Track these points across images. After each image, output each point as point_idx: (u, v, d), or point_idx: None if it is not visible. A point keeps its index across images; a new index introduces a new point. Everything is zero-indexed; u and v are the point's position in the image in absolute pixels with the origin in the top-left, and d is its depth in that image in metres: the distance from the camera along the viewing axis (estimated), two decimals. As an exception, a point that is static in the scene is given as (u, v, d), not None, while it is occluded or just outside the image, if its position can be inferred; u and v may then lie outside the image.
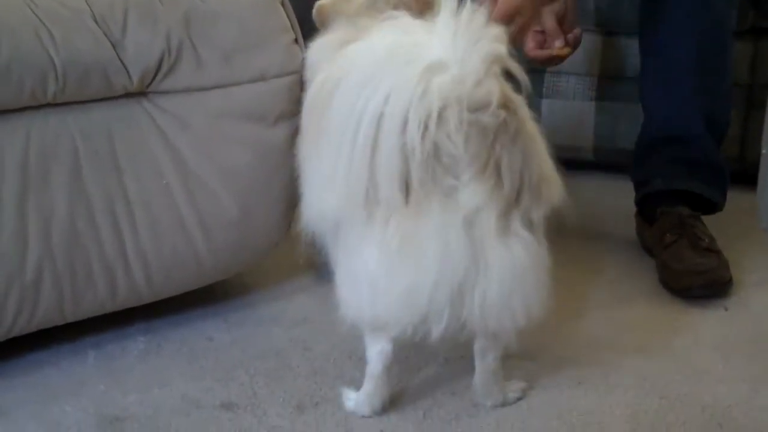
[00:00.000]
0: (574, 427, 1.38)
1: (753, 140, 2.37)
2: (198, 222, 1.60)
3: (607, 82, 2.48)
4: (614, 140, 2.48)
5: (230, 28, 1.59)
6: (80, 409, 1.42)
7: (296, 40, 1.68)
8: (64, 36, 1.43)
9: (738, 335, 1.66)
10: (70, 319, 1.55)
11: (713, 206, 1.99)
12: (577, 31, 1.95)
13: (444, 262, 1.20)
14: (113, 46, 1.48)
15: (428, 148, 1.16)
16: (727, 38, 2.00)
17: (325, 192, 1.27)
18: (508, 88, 1.21)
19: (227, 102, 1.60)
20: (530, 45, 1.90)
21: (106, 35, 1.48)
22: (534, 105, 1.28)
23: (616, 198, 2.25)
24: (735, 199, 2.04)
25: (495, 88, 1.17)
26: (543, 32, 1.92)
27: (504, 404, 1.41)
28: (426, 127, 1.15)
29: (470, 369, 1.41)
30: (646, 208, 2.02)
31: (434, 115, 1.15)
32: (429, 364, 1.53)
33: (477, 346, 1.37)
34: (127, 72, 1.50)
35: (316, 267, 1.77)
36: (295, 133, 1.67)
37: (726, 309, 1.76)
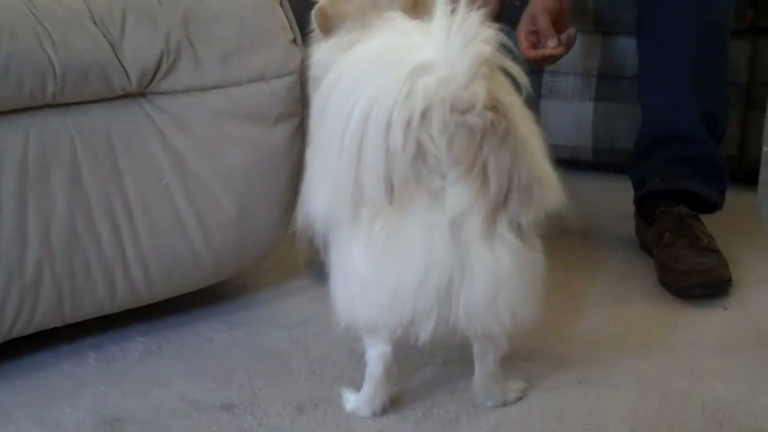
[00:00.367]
0: (575, 427, 1.38)
1: (751, 139, 2.38)
2: (197, 222, 1.60)
3: (606, 82, 2.48)
4: (613, 140, 2.48)
5: (229, 29, 1.60)
6: (80, 410, 1.42)
7: (295, 40, 1.68)
8: (62, 37, 1.43)
9: (738, 334, 1.66)
10: (70, 320, 1.54)
11: (712, 206, 2.00)
12: (570, 31, 1.95)
13: (429, 263, 1.19)
14: (112, 46, 1.48)
15: (412, 148, 1.16)
16: (725, 37, 2.00)
17: (316, 192, 1.28)
18: (500, 89, 1.20)
19: (226, 102, 1.60)
20: (524, 45, 1.91)
21: (104, 36, 1.48)
22: (534, 106, 1.27)
23: (615, 198, 2.25)
24: (734, 198, 2.05)
25: (481, 89, 1.16)
26: (536, 32, 1.93)
27: (504, 404, 1.41)
28: (409, 128, 1.15)
29: (469, 369, 1.40)
30: (645, 208, 2.02)
31: (417, 116, 1.14)
32: (428, 364, 1.53)
33: (476, 348, 1.37)
34: (126, 73, 1.50)
35: (316, 267, 1.76)
36: (294, 133, 1.67)
37: (725, 308, 1.76)
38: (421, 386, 1.48)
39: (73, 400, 1.44)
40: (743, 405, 1.43)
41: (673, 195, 1.97)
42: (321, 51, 1.50)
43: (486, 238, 1.21)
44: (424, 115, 1.15)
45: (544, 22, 1.93)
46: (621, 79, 2.45)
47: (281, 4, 1.68)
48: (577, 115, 2.51)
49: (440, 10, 1.18)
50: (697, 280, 1.78)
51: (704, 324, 1.70)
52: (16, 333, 1.48)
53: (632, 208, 2.08)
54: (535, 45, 1.93)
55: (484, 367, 1.38)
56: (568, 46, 1.97)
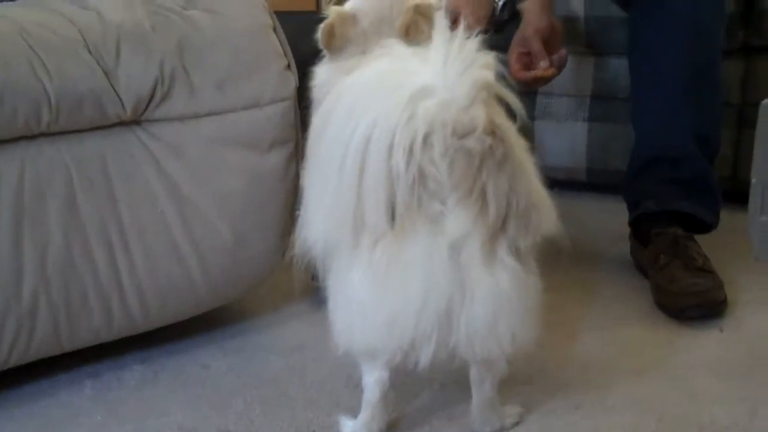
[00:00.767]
0: (572, 451, 1.38)
1: (745, 160, 2.39)
2: (193, 249, 1.60)
3: (599, 103, 2.50)
4: (607, 161, 2.49)
5: (223, 56, 1.60)
6: (77, 439, 1.42)
7: (289, 66, 1.68)
8: (57, 65, 1.44)
9: (734, 356, 1.66)
10: (67, 348, 1.54)
11: (706, 226, 2.00)
12: (562, 52, 1.96)
13: (429, 287, 1.19)
14: (106, 74, 1.49)
15: (414, 173, 1.16)
16: (717, 57, 2.01)
17: (315, 217, 1.28)
18: (497, 114, 1.20)
19: (221, 129, 1.61)
20: (515, 66, 1.92)
21: (99, 64, 1.48)
22: (528, 131, 1.27)
23: (610, 218, 2.26)
24: (728, 218, 2.05)
25: (481, 114, 1.17)
26: (528, 54, 1.94)
27: (501, 430, 1.41)
28: (411, 152, 1.15)
29: (466, 394, 1.40)
30: (640, 229, 2.02)
31: (419, 139, 1.15)
32: (425, 390, 1.53)
33: (473, 374, 1.37)
34: (121, 101, 1.50)
35: (313, 293, 1.76)
36: (289, 158, 1.68)
37: (721, 330, 1.76)
38: (418, 412, 1.47)
39: (70, 430, 1.44)
40: (740, 427, 1.43)
41: (668, 216, 1.97)
42: (322, 74, 1.50)
43: (486, 262, 1.21)
44: (426, 139, 1.15)
45: (535, 43, 1.93)
46: (614, 99, 2.46)
47: (275, 30, 1.69)
48: (571, 136, 2.53)
49: (438, 36, 1.19)
50: (692, 301, 1.78)
51: (700, 346, 1.70)
52: (13, 362, 1.48)
53: (627, 229, 2.09)
54: (527, 67, 1.94)
55: (481, 393, 1.38)
56: (560, 67, 1.98)
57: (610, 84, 2.47)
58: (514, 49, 1.95)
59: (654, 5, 1.95)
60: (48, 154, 1.46)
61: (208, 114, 1.60)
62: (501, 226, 1.21)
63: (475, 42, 1.19)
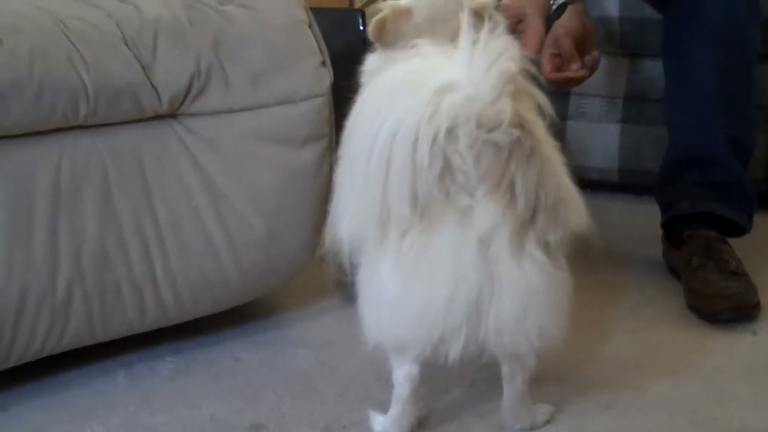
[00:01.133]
0: (603, 451, 1.38)
1: (779, 163, 2.37)
2: (226, 243, 1.61)
3: (632, 104, 2.49)
4: (639, 162, 2.48)
5: (259, 51, 1.61)
6: (110, 428, 1.43)
7: (324, 63, 1.69)
8: (95, 59, 1.45)
9: (766, 359, 1.65)
10: (100, 339, 1.56)
11: (740, 229, 1.99)
12: (594, 54, 1.96)
13: (458, 279, 1.20)
14: (144, 69, 1.50)
15: (439, 165, 1.17)
16: (752, 61, 2.00)
17: (344, 213, 1.29)
18: (525, 109, 1.21)
19: (255, 124, 1.62)
20: (547, 67, 1.91)
21: (136, 58, 1.49)
22: (558, 130, 1.28)
23: (642, 220, 2.25)
24: (762, 221, 2.04)
25: (507, 107, 1.17)
26: (560, 55, 1.93)
27: (532, 428, 1.41)
28: (435, 145, 1.16)
29: (497, 391, 1.40)
30: (673, 231, 2.01)
31: (442, 133, 1.16)
32: (455, 386, 1.53)
33: (504, 369, 1.37)
34: (158, 94, 1.51)
35: (344, 288, 1.77)
36: (322, 154, 1.68)
37: (754, 333, 1.75)
38: (448, 408, 1.48)
39: (103, 419, 1.46)
40: (772, 431, 1.42)
41: (701, 218, 1.96)
42: (373, 61, 1.50)
43: (514, 255, 1.21)
44: (451, 132, 1.16)
45: (567, 44, 1.93)
46: (648, 101, 2.45)
47: (310, 26, 1.69)
48: (603, 137, 2.52)
49: (464, 34, 1.19)
50: (725, 304, 1.77)
51: (732, 349, 1.69)
52: (47, 352, 1.50)
53: (659, 231, 2.08)
54: (559, 68, 1.94)
55: (512, 388, 1.38)
56: (592, 69, 1.97)
57: (643, 85, 2.46)
58: (546, 50, 1.95)
59: (689, 8, 1.94)
60: (85, 147, 1.47)
61: (243, 109, 1.60)
62: (530, 220, 1.21)
63: (501, 39, 1.20)
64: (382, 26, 1.46)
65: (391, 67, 1.29)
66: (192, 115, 1.57)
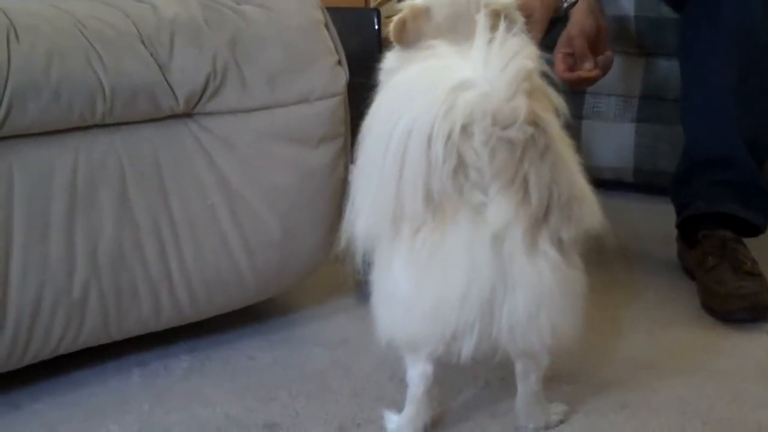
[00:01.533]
0: (617, 451, 1.38)
1: (795, 163, 2.36)
2: (241, 242, 1.62)
3: (648, 104, 2.48)
4: (655, 162, 2.47)
5: (275, 51, 1.61)
6: (125, 426, 1.44)
7: (340, 62, 1.69)
8: (112, 58, 1.46)
9: (781, 360, 1.65)
10: (116, 337, 1.57)
11: (755, 229, 1.99)
12: (607, 53, 1.96)
13: (471, 276, 1.20)
14: (160, 68, 1.50)
15: (453, 162, 1.17)
16: (768, 60, 1.99)
17: (360, 212, 1.29)
18: (540, 107, 1.21)
19: (271, 123, 1.62)
20: (560, 67, 1.92)
21: (153, 57, 1.50)
22: (572, 129, 1.28)
23: (656, 220, 2.25)
24: (777, 222, 2.04)
25: (522, 104, 1.17)
26: (573, 54, 1.93)
27: (546, 428, 1.41)
28: (450, 142, 1.16)
29: (511, 391, 1.40)
30: (688, 231, 2.01)
31: (457, 129, 1.16)
32: (469, 386, 1.53)
33: (518, 367, 1.37)
34: (174, 94, 1.52)
35: (359, 287, 1.77)
36: (337, 154, 1.69)
37: (769, 333, 1.75)
38: (462, 408, 1.48)
39: (117, 417, 1.46)
40: (787, 432, 1.42)
41: (716, 218, 1.96)
42: (392, 60, 1.50)
43: (528, 253, 1.21)
44: (466, 129, 1.16)
45: (580, 44, 1.93)
46: (663, 100, 2.45)
47: (326, 26, 1.70)
48: (618, 136, 2.52)
49: (479, 34, 1.20)
50: (740, 304, 1.77)
51: (747, 349, 1.69)
52: (63, 350, 1.51)
53: (674, 231, 2.07)
54: (572, 67, 1.94)
55: (526, 387, 1.38)
56: (605, 68, 1.98)
57: (659, 85, 2.46)
58: (560, 49, 1.95)
59: (706, 8, 1.93)
60: (101, 146, 1.48)
61: (259, 108, 1.61)
62: (543, 217, 1.21)
63: (517, 38, 1.20)
64: (402, 26, 1.46)
65: (407, 67, 1.30)
66: (208, 114, 1.57)
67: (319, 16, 1.69)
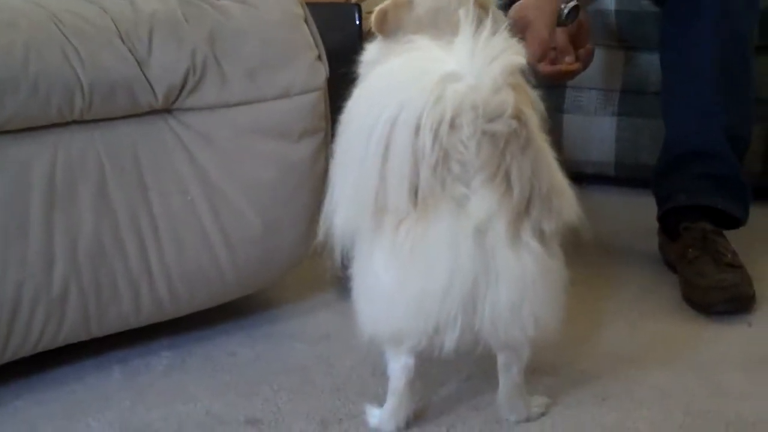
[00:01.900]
0: (598, 443, 1.38)
1: (776, 155, 2.38)
2: (222, 238, 1.61)
3: (629, 97, 2.49)
4: (636, 155, 2.48)
5: (255, 46, 1.61)
6: (105, 424, 1.43)
7: (320, 57, 1.69)
8: (90, 53, 1.45)
9: (762, 351, 1.65)
10: (96, 334, 1.56)
11: (736, 221, 1.99)
12: (588, 47, 1.96)
13: (454, 269, 1.20)
14: (139, 63, 1.50)
15: (438, 154, 1.18)
16: (749, 53, 2.00)
17: (339, 205, 1.29)
18: (522, 101, 1.22)
19: (251, 118, 1.62)
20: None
21: (131, 53, 1.49)
22: (553, 119, 1.28)
23: (638, 213, 2.25)
24: (758, 214, 2.05)
25: (509, 98, 1.18)
26: (554, 48, 1.94)
27: (528, 420, 1.41)
28: (437, 133, 1.16)
29: (493, 384, 1.41)
30: (669, 224, 2.02)
31: (446, 119, 1.16)
32: (451, 379, 1.53)
33: (500, 360, 1.37)
34: (153, 89, 1.51)
35: (338, 282, 1.77)
36: (318, 148, 1.68)
37: (749, 325, 1.75)
38: (444, 401, 1.48)
39: (98, 414, 1.46)
40: (767, 423, 1.42)
41: (697, 211, 1.96)
42: (372, 51, 1.50)
43: (510, 245, 1.22)
44: (453, 121, 1.17)
45: (561, 38, 1.94)
46: (644, 94, 2.45)
47: (306, 21, 1.69)
48: (600, 130, 2.51)
49: (464, 26, 1.20)
50: (721, 296, 1.78)
51: (728, 341, 1.69)
52: (42, 347, 1.50)
53: (655, 224, 2.08)
54: (553, 61, 1.94)
55: (508, 379, 1.38)
56: (586, 62, 1.98)
57: (640, 78, 2.46)
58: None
59: (687, 1, 1.94)
60: (80, 142, 1.47)
61: (239, 103, 1.60)
62: (525, 209, 1.22)
63: (501, 35, 1.21)
64: (383, 17, 1.46)
65: (389, 59, 1.30)
66: (187, 109, 1.57)
67: (299, 10, 1.68)
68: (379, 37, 1.48)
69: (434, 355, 1.28)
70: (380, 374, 1.49)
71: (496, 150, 1.19)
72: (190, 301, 1.64)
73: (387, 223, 1.23)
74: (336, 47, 1.76)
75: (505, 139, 1.19)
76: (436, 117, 1.16)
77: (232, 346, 1.68)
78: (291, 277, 1.82)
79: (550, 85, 1.76)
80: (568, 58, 1.94)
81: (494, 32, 1.20)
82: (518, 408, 1.40)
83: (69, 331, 1.51)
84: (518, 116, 1.19)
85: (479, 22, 1.23)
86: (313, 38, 1.69)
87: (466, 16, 1.22)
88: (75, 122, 1.47)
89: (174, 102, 1.55)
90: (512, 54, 1.21)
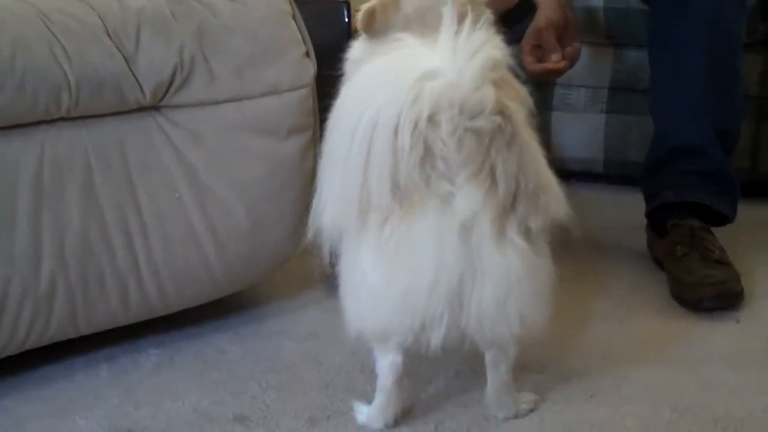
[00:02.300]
0: (586, 439, 1.38)
1: (764, 152, 2.39)
2: (210, 235, 1.61)
3: (618, 95, 2.49)
4: (624, 153, 2.48)
5: (242, 42, 1.60)
6: (94, 422, 1.43)
7: (308, 54, 1.69)
8: (77, 50, 1.44)
9: (750, 347, 1.66)
10: (84, 331, 1.55)
11: (724, 218, 2.00)
12: (575, 45, 1.97)
13: (439, 266, 1.20)
14: (126, 60, 1.49)
15: (420, 151, 1.17)
16: (738, 50, 2.00)
17: (326, 203, 1.29)
18: (506, 96, 1.21)
19: (239, 115, 1.61)
20: (528, 59, 1.92)
21: (119, 49, 1.49)
22: (541, 117, 1.28)
23: (626, 210, 2.25)
24: (746, 211, 2.05)
25: (490, 94, 1.18)
26: (541, 46, 1.94)
27: (516, 416, 1.41)
28: (417, 129, 1.16)
29: (481, 382, 1.41)
30: (657, 221, 2.02)
31: (424, 118, 1.16)
32: (440, 376, 1.53)
33: (488, 357, 1.37)
34: (140, 86, 1.51)
35: (327, 279, 1.77)
36: (306, 145, 1.68)
37: (738, 321, 1.76)
38: (433, 398, 1.48)
39: (86, 412, 1.45)
40: (756, 419, 1.43)
41: (685, 208, 1.97)
42: (358, 49, 1.50)
43: (496, 242, 1.22)
44: (432, 118, 1.17)
45: (548, 36, 1.94)
46: (633, 91, 2.45)
47: (294, 17, 1.69)
48: (588, 127, 2.52)
49: (446, 24, 1.20)
50: (709, 292, 1.78)
51: (716, 337, 1.70)
52: (30, 344, 1.49)
53: (644, 221, 2.08)
54: (540, 59, 1.94)
55: (496, 376, 1.38)
56: (572, 60, 1.98)
57: (628, 76, 2.46)
58: (527, 42, 1.96)
59: (675, -1, 1.94)
60: (67, 139, 1.47)
61: (227, 100, 1.60)
62: (510, 206, 1.22)
63: (483, 30, 1.21)
64: (370, 16, 1.46)
65: (374, 58, 1.30)
66: (175, 106, 1.57)
67: (287, 7, 1.68)
68: (363, 36, 1.48)
69: (422, 353, 1.28)
70: (368, 371, 1.49)
71: (481, 146, 1.19)
72: (179, 298, 1.63)
73: (372, 221, 1.23)
74: (325, 44, 1.76)
75: (490, 135, 1.18)
76: (414, 116, 1.16)
77: (221, 343, 1.67)
78: (279, 274, 1.82)
79: (537, 83, 1.76)
80: (555, 56, 1.94)
81: (477, 28, 1.20)
82: (506, 405, 1.40)
83: (57, 328, 1.50)
84: (502, 111, 1.19)
85: (475, 19, 1.24)
86: (301, 35, 1.69)
87: (448, 12, 1.21)
88: (62, 119, 1.46)
89: (162, 99, 1.54)
90: (494, 48, 1.21)
